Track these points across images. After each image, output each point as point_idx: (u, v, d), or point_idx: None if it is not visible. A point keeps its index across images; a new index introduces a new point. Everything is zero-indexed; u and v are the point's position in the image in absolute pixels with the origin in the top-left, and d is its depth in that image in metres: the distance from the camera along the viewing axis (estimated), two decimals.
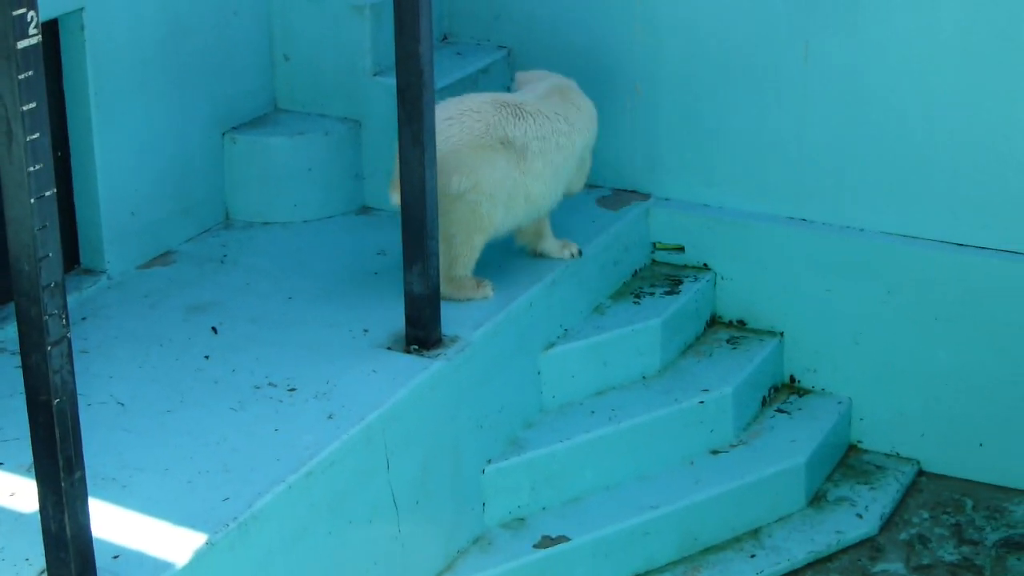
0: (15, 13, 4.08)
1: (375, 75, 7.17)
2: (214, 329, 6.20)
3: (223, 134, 7.10)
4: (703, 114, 7.15)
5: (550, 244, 6.69)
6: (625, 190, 7.39)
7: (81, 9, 6.30)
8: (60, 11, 6.24)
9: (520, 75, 6.80)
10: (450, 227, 6.24)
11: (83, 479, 4.52)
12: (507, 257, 6.64)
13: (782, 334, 7.18)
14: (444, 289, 6.25)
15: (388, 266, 6.67)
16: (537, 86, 6.62)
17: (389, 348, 6.03)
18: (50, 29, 6.28)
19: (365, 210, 7.29)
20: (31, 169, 4.22)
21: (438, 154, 6.02)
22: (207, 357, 5.99)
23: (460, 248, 6.31)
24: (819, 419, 6.99)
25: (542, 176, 6.40)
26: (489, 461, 6.23)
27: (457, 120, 6.25)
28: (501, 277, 6.51)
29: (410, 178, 5.84)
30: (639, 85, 7.21)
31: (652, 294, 7.04)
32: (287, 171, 7.13)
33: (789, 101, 6.99)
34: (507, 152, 6.27)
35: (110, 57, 6.45)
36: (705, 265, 7.25)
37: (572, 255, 6.70)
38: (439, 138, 6.08)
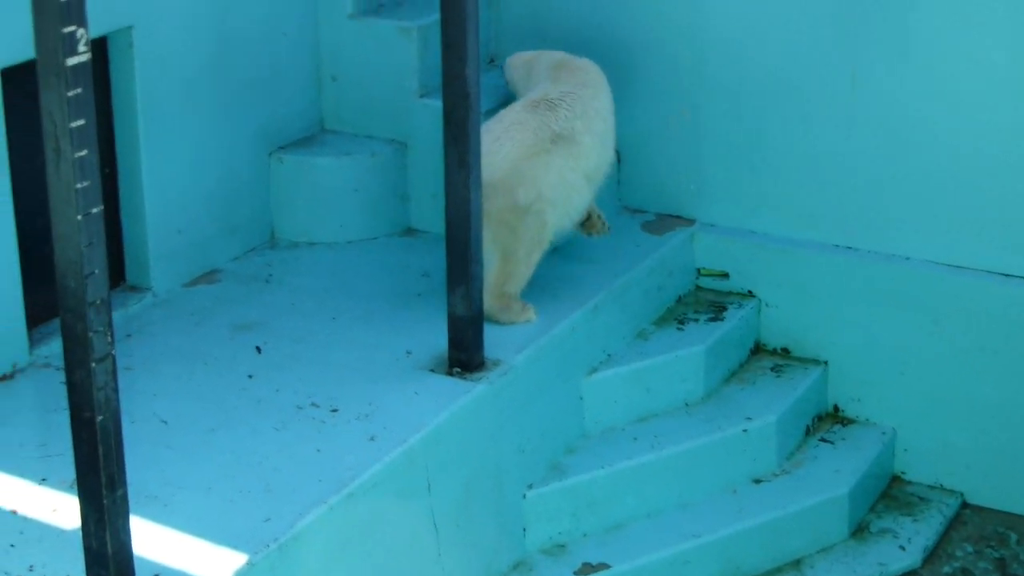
0: (65, 30, 4.08)
1: (421, 97, 7.16)
2: (258, 348, 6.19)
3: (270, 154, 7.10)
4: (749, 140, 7.11)
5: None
6: (670, 215, 7.36)
7: (130, 27, 6.31)
8: (109, 28, 6.25)
9: (511, 60, 6.94)
10: (513, 243, 6.24)
11: (125, 496, 4.50)
12: (547, 281, 6.61)
13: (826, 363, 7.12)
14: (491, 309, 6.24)
15: (432, 288, 6.65)
16: (536, 69, 6.72)
17: (432, 370, 6.01)
18: (99, 46, 6.30)
19: (410, 231, 7.28)
20: (78, 186, 4.21)
21: (499, 174, 6.09)
22: (251, 376, 5.98)
23: (519, 264, 6.31)
24: (863, 449, 6.93)
25: (594, 149, 6.47)
26: (530, 486, 6.20)
27: (506, 136, 6.28)
28: (542, 301, 6.47)
29: (455, 200, 5.82)
30: (685, 110, 7.18)
31: (696, 320, 7.00)
32: (333, 191, 7.12)
33: (836, 128, 6.94)
34: (559, 147, 6.32)
35: (159, 75, 6.45)
36: (750, 292, 7.20)
37: (604, 226, 6.73)
38: (495, 159, 6.15)
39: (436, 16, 6.68)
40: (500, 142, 6.27)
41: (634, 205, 7.39)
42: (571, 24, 7.34)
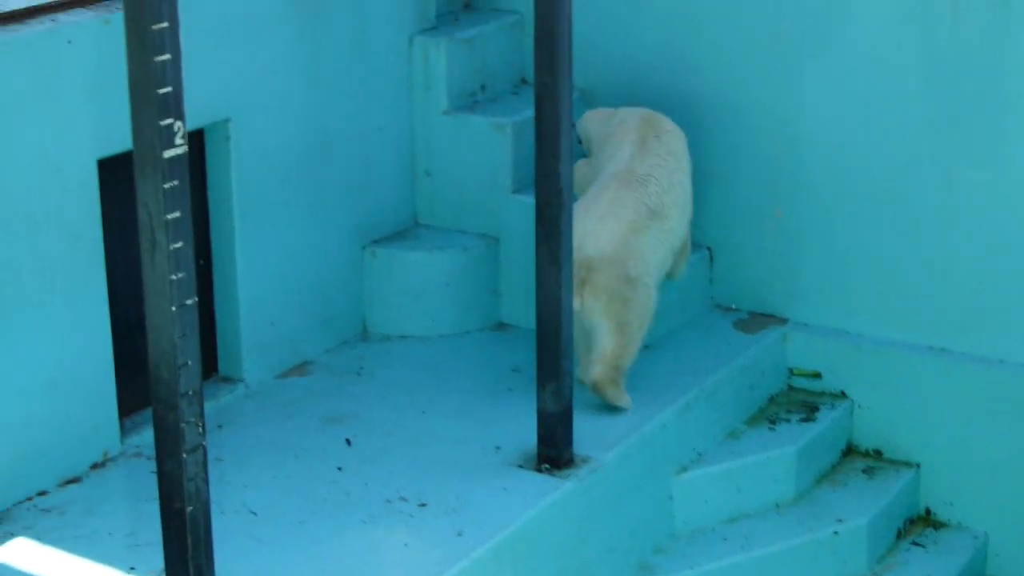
0: (162, 123, 4.12)
1: (514, 192, 7.17)
2: (348, 441, 6.17)
3: (363, 247, 7.12)
4: (844, 239, 7.06)
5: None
6: (763, 314, 7.30)
7: (227, 120, 6.36)
8: (206, 121, 6.31)
9: (588, 115, 6.97)
10: (627, 315, 6.28)
11: None
12: (638, 378, 6.57)
13: (919, 465, 7.01)
14: (602, 381, 6.29)
15: (522, 383, 6.61)
16: (617, 128, 6.74)
17: (520, 466, 5.97)
18: (196, 138, 6.35)
19: (501, 326, 7.26)
20: (173, 277, 4.23)
21: (609, 248, 6.24)
22: (340, 469, 5.96)
23: (634, 337, 6.35)
24: (955, 553, 6.80)
25: (679, 222, 6.61)
26: None
27: (609, 214, 6.34)
28: (633, 397, 6.42)
29: (546, 296, 5.80)
30: (779, 209, 7.14)
31: (788, 421, 6.92)
32: (425, 285, 7.13)
33: (931, 228, 6.88)
34: (655, 221, 6.45)
35: (254, 168, 6.50)
36: (842, 393, 7.12)
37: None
38: (603, 235, 6.28)
39: (529, 113, 6.68)
40: (605, 220, 6.32)
41: (726, 303, 7.34)
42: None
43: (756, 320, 7.26)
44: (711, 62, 7.15)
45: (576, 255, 6.03)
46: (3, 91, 5.43)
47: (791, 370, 7.20)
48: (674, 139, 6.76)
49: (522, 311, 7.10)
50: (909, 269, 6.96)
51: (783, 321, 7.24)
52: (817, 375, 7.16)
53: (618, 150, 6.69)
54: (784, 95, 7.03)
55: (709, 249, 7.30)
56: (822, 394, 7.14)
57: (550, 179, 5.70)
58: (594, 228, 6.28)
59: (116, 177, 5.86)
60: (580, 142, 7.04)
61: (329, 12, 6.73)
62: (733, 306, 7.31)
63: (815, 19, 6.91)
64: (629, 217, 6.36)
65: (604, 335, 6.31)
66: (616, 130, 6.80)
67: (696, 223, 7.15)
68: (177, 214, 4.22)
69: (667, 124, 6.82)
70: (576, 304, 6.14)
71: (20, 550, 5.38)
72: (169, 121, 4.13)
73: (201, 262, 6.43)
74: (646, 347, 6.66)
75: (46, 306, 5.68)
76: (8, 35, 5.48)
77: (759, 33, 7.02)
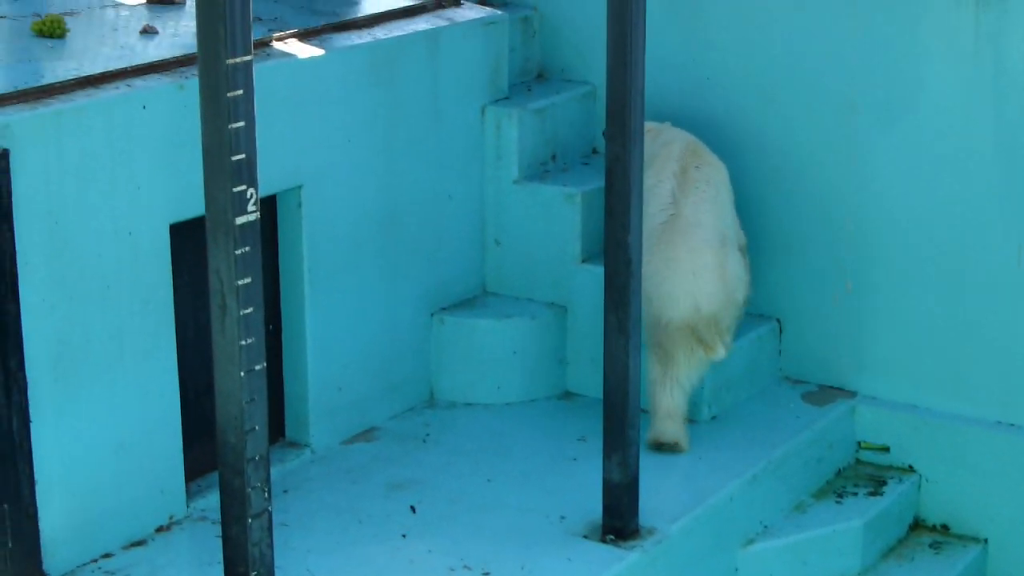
0: (235, 190, 4.13)
1: (583, 262, 7.15)
2: (412, 508, 6.14)
3: (432, 314, 7.11)
4: (913, 313, 7.00)
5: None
6: (831, 387, 7.23)
7: (299, 187, 6.38)
8: (279, 188, 6.32)
9: None
10: (728, 336, 6.61)
11: None
12: (705, 449, 6.52)
13: (986, 540, 6.92)
14: (671, 431, 6.50)
15: (587, 453, 6.57)
16: (665, 158, 6.78)
17: (585, 536, 5.92)
18: (268, 204, 6.37)
19: (567, 395, 7.22)
20: (243, 343, 4.23)
21: (723, 296, 6.51)
22: (404, 535, 5.93)
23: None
24: None
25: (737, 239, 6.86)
26: None
27: (701, 265, 6.53)
28: (699, 470, 6.37)
29: (614, 365, 5.77)
30: (849, 282, 7.09)
31: (855, 494, 6.84)
32: (492, 353, 7.10)
33: (1001, 304, 6.81)
34: (728, 246, 6.69)
35: (325, 234, 6.51)
36: (910, 467, 7.04)
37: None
38: (712, 290, 6.51)
39: (600, 183, 6.67)
40: (699, 273, 6.51)
41: (795, 375, 7.28)
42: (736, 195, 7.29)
43: (825, 393, 7.20)
44: (780, 131, 7.12)
45: (690, 315, 6.40)
46: (79, 154, 5.46)
47: (859, 444, 7.12)
48: (715, 171, 6.81)
49: (589, 380, 7.07)
50: (978, 344, 6.89)
51: (852, 394, 7.17)
52: (885, 449, 7.08)
53: (658, 182, 6.70)
54: (854, 166, 6.99)
55: (778, 321, 7.25)
56: (890, 468, 7.06)
57: (619, 249, 5.68)
58: (695, 285, 6.47)
59: (188, 242, 5.88)
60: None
61: (403, 82, 6.75)
62: (802, 378, 7.25)
63: (887, 90, 6.87)
64: (715, 256, 6.54)
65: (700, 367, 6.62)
66: (660, 152, 6.83)
67: (765, 294, 7.12)
68: (248, 280, 4.22)
69: (708, 156, 6.85)
70: (721, 354, 6.56)
71: None
72: (242, 188, 4.14)
73: (270, 327, 6.43)
74: (713, 418, 6.61)
75: (116, 368, 5.69)
76: (85, 99, 5.52)
77: (830, 103, 6.99)
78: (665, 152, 6.82)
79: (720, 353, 6.57)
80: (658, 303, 6.48)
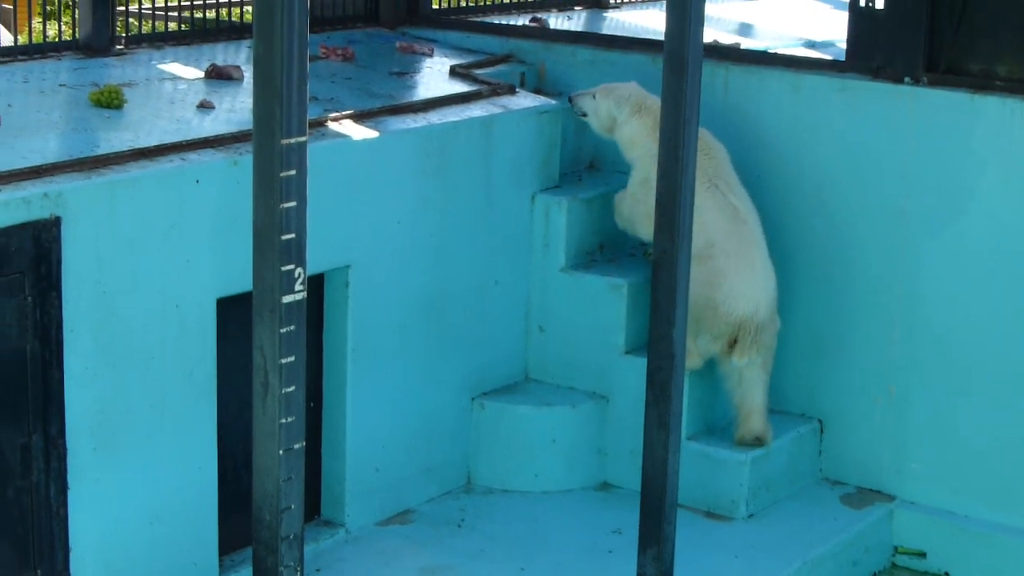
0: (284, 268, 4.12)
1: (626, 353, 7.12)
2: None
3: (472, 399, 7.08)
4: (956, 419, 6.94)
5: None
6: (869, 489, 7.16)
7: (347, 267, 6.38)
8: (328, 266, 6.33)
9: (617, 98, 7.12)
10: (771, 363, 6.85)
11: None
12: (742, 548, 6.45)
13: None
14: (766, 434, 6.77)
15: (622, 545, 6.51)
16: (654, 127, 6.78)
17: None
18: (315, 282, 6.37)
19: (605, 486, 7.17)
20: (283, 421, 4.21)
21: (771, 309, 6.79)
22: None
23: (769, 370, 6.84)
24: None
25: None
26: None
27: (762, 271, 6.78)
28: (735, 568, 6.30)
29: (653, 460, 5.71)
30: (892, 387, 7.04)
31: None
32: (531, 440, 7.07)
33: None
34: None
35: (371, 314, 6.50)
36: (947, 574, 6.97)
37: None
38: (766, 300, 6.76)
39: (646, 275, 6.66)
40: (759, 280, 6.77)
41: (834, 477, 7.22)
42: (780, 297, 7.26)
43: (863, 495, 7.13)
44: (829, 232, 7.10)
45: (736, 317, 6.64)
46: (130, 225, 5.48)
47: (896, 548, 7.04)
48: (723, 156, 6.96)
49: (628, 472, 7.01)
50: (1018, 452, 6.83)
51: (890, 498, 7.10)
52: (922, 554, 7.00)
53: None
54: (902, 269, 6.96)
55: (820, 421, 7.20)
56: (926, 574, 7.00)
57: (663, 343, 5.64)
58: (755, 290, 6.69)
59: (233, 316, 5.88)
60: (584, 115, 7.17)
61: (456, 167, 6.77)
62: (841, 480, 7.19)
63: (937, 195, 6.85)
64: (771, 271, 6.81)
65: (759, 387, 6.82)
66: (650, 123, 6.91)
67: (807, 393, 7.08)
68: (292, 359, 4.20)
69: (712, 141, 6.95)
70: (740, 361, 6.75)
71: None
72: (290, 267, 4.12)
73: (311, 404, 6.42)
74: (751, 516, 6.54)
75: (155, 439, 5.68)
76: (139, 170, 5.55)
77: (880, 206, 6.97)
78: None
79: (746, 360, 6.78)
80: (726, 291, 6.70)
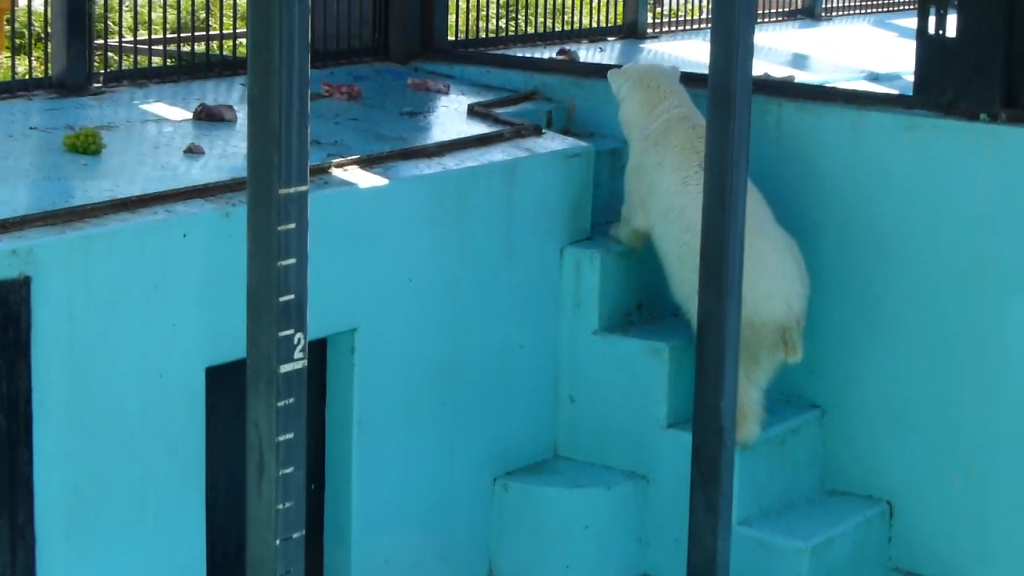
0: (281, 334, 4.09)
1: (668, 427, 7.09)
2: None
3: (494, 479, 7.06)
4: None
5: None
6: None
7: (354, 330, 6.37)
8: (331, 330, 6.32)
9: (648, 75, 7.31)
10: None
11: None
12: None
13: None
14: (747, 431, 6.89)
15: None
16: (682, 155, 6.98)
17: None
18: (317, 347, 6.36)
19: None
20: (280, 507, 4.18)
21: (803, 272, 6.89)
22: None
23: None
24: None
25: None
26: None
27: (793, 267, 6.87)
28: None
29: (700, 548, 5.68)
30: (971, 463, 7.00)
31: None
32: (561, 526, 7.05)
33: None
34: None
35: (380, 383, 6.49)
36: None
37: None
38: (803, 293, 6.86)
39: (691, 338, 6.64)
40: (791, 277, 6.85)
41: (906, 567, 7.18)
42: (843, 361, 7.22)
43: None
44: (899, 291, 7.09)
45: (785, 315, 6.76)
46: (109, 284, 5.48)
47: None
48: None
49: (671, 562, 6.98)
50: None
51: None
52: None
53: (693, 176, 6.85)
54: (981, 333, 6.93)
55: (889, 504, 7.16)
56: None
57: (710, 415, 5.63)
58: (786, 285, 6.79)
59: (224, 388, 5.87)
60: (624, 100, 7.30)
61: (474, 218, 6.77)
62: (914, 570, 7.15)
63: (1020, 247, 6.82)
64: (792, 254, 6.92)
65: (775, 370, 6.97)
66: (667, 137, 7.05)
67: (873, 473, 7.07)
68: (290, 436, 4.17)
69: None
70: (794, 359, 6.87)
71: None
72: (289, 332, 4.10)
73: (312, 487, 6.40)
74: None
75: (136, 527, 5.66)
76: (118, 224, 5.55)
77: (955, 262, 6.94)
78: (681, 151, 7.00)
79: (800, 355, 6.87)
80: (752, 305, 6.57)
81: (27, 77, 7.44)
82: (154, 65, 7.89)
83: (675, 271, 6.93)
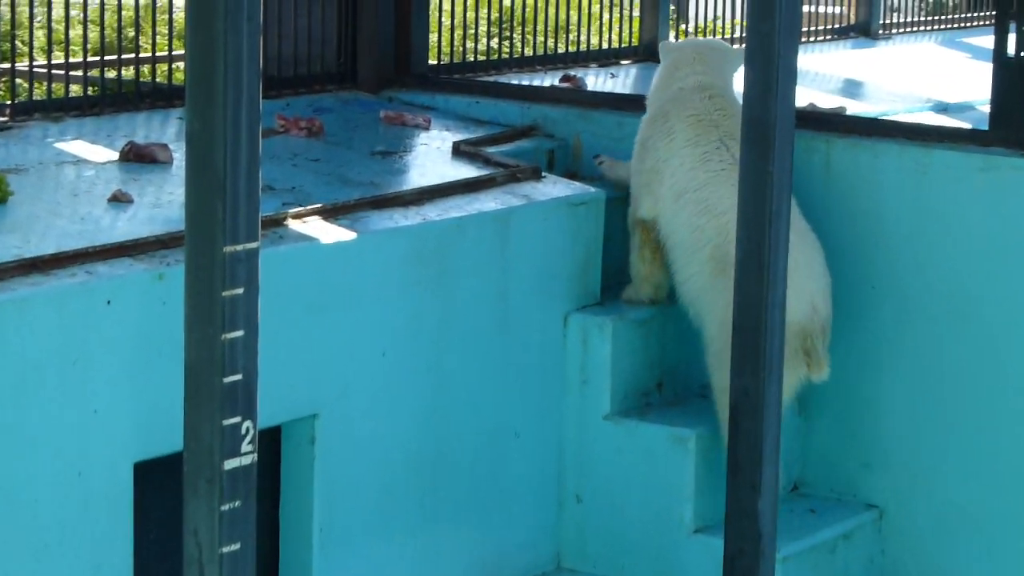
0: (226, 423, 4.08)
1: (696, 532, 7.10)
2: None
3: None
4: None
5: None
6: None
7: (314, 416, 6.37)
8: (286, 417, 6.32)
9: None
10: None
11: None
12: None
13: None
14: None
15: None
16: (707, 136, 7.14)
17: None
18: (270, 437, 6.36)
19: None
20: None
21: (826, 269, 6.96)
22: None
23: None
24: None
25: None
26: None
27: (818, 265, 6.99)
28: None
29: None
30: None
31: None
32: None
33: None
34: None
35: (346, 481, 6.49)
36: None
37: None
38: (827, 296, 6.96)
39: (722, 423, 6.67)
40: (816, 276, 6.98)
41: None
42: (904, 448, 7.23)
43: None
44: (970, 350, 7.15)
45: (808, 318, 6.85)
46: (15, 362, 5.47)
47: None
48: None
49: None
50: None
51: None
52: None
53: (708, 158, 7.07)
54: None
55: None
56: None
57: (746, 518, 5.64)
58: (811, 283, 6.89)
59: (157, 487, 5.87)
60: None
61: (461, 278, 6.78)
62: None
63: None
64: (817, 249, 7.04)
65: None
66: (682, 124, 7.21)
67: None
68: (236, 546, 4.16)
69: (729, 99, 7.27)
70: (820, 376, 6.93)
71: None
72: (235, 420, 4.09)
73: None
74: None
75: None
76: (28, 288, 5.54)
77: None
78: (689, 107, 7.19)
79: (826, 371, 6.93)
80: None
81: None
82: (72, 95, 7.90)
83: (683, 264, 7.05)
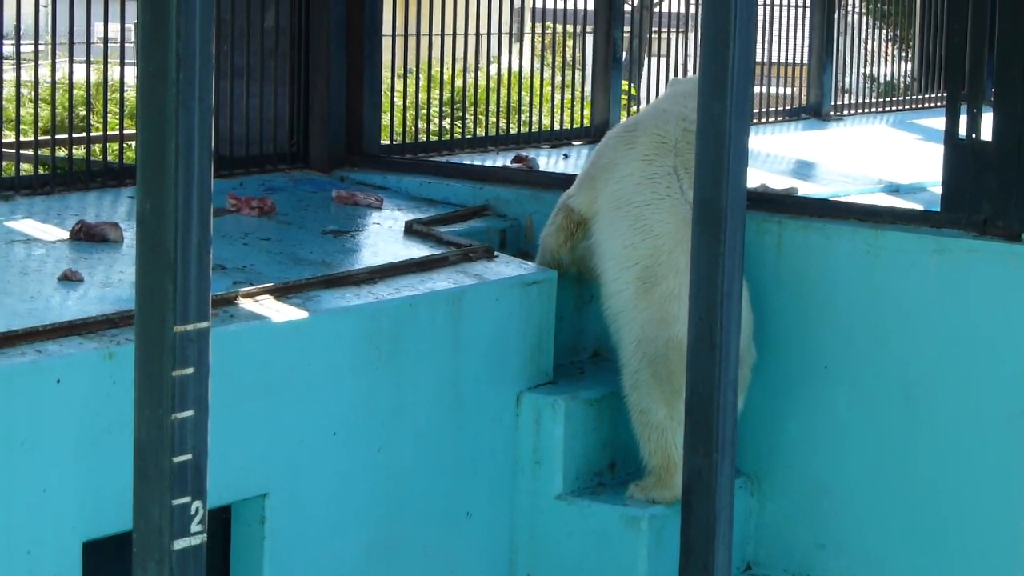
0: (176, 503, 4.07)
1: None
2: None
3: None
4: None
5: None
6: None
7: (264, 495, 6.34)
8: (236, 496, 6.29)
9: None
10: None
11: None
12: None
13: None
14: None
15: None
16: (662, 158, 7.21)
17: None
18: (220, 517, 6.33)
19: None
20: None
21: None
22: None
23: None
24: None
25: None
26: None
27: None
28: None
29: None
30: None
31: None
32: None
33: None
34: None
35: (296, 561, 6.46)
36: None
37: None
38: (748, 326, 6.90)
39: (677, 505, 6.66)
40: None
41: None
42: (864, 522, 7.24)
43: None
44: (925, 445, 7.12)
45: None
46: None
47: None
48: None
49: None
50: None
51: None
52: None
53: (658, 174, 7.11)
54: None
55: None
56: None
57: None
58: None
59: (105, 567, 5.83)
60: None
61: (413, 358, 6.77)
62: None
63: None
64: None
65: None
66: (644, 138, 7.26)
67: None
68: None
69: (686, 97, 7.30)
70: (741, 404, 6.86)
71: None
72: (185, 500, 4.08)
73: None
74: None
75: None
76: None
77: (997, 409, 6.97)
78: (653, 124, 7.25)
79: (742, 397, 6.93)
80: (684, 324, 6.44)
81: None
82: (23, 173, 7.88)
83: (611, 278, 7.11)
